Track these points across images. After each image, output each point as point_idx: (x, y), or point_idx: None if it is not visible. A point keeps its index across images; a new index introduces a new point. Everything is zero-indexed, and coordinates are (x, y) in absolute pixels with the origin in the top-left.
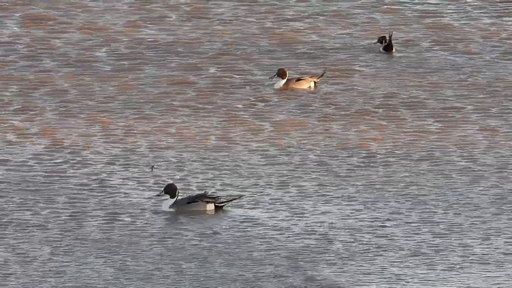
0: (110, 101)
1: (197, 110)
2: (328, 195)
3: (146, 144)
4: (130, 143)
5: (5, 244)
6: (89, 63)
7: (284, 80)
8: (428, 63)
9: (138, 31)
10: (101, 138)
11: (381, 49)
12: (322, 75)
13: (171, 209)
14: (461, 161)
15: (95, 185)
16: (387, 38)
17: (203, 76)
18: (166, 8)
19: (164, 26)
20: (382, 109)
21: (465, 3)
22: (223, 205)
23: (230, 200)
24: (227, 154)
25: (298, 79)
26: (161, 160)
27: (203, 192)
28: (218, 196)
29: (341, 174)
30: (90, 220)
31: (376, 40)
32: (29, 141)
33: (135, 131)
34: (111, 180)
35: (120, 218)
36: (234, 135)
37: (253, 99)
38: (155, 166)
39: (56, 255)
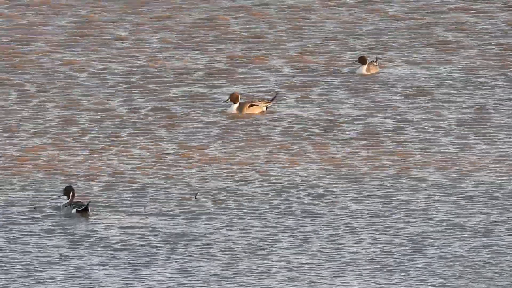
0: None
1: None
2: None
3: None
4: None
5: None
6: None
7: (237, 105)
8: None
9: None
10: None
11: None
12: (273, 99)
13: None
14: None
15: None
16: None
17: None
18: None
19: None
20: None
21: None
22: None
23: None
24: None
25: (251, 105)
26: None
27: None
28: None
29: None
30: None
31: (357, 60)
32: None
33: None
34: None
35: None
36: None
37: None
38: (198, 194)
39: None
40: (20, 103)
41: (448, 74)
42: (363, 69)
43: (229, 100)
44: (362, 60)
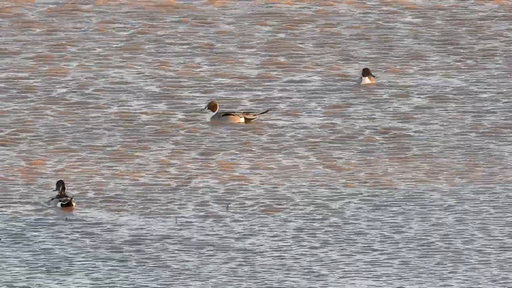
0: None
1: None
2: None
3: None
4: None
5: None
6: None
7: (213, 113)
8: None
9: None
10: None
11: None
12: (263, 113)
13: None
14: None
15: None
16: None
17: None
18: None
19: None
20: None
21: None
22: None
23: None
24: None
25: (226, 114)
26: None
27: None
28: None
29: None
30: None
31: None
32: None
33: None
34: None
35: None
36: None
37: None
38: (230, 204)
39: None
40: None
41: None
42: (366, 80)
43: (207, 108)
44: (366, 72)
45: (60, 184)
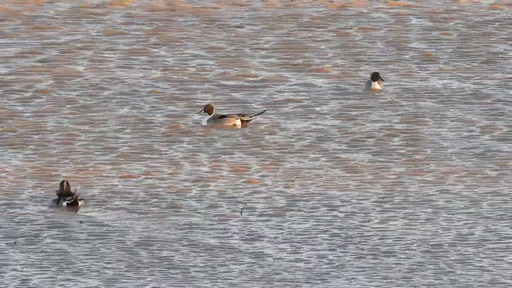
0: None
1: None
2: None
3: None
4: None
5: None
6: None
7: (210, 117)
8: None
9: None
10: None
11: None
12: (258, 114)
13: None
14: None
15: None
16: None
17: None
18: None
19: None
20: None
21: None
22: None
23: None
24: None
25: (221, 116)
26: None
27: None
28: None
29: None
30: None
31: (370, 76)
32: None
33: None
34: None
35: None
36: None
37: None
38: (244, 210)
39: None
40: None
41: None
42: (376, 85)
43: (203, 111)
44: (375, 76)
45: (63, 184)
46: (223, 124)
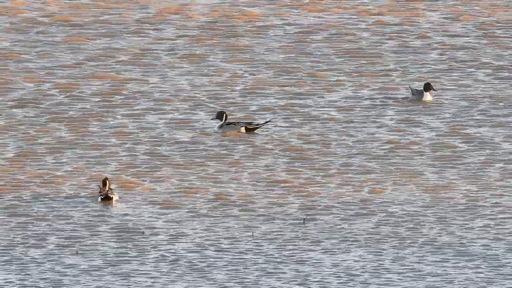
0: None
1: None
2: None
3: None
4: None
5: None
6: None
7: (221, 123)
8: None
9: None
10: None
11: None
12: (265, 123)
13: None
14: None
15: None
16: None
17: None
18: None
19: None
20: None
21: None
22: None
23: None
24: None
25: (229, 123)
26: None
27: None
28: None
29: None
30: None
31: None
32: None
33: None
34: None
35: None
36: None
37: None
38: (306, 218)
39: None
40: None
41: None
42: (428, 96)
43: (216, 117)
44: (427, 87)
45: (104, 181)
46: (229, 131)
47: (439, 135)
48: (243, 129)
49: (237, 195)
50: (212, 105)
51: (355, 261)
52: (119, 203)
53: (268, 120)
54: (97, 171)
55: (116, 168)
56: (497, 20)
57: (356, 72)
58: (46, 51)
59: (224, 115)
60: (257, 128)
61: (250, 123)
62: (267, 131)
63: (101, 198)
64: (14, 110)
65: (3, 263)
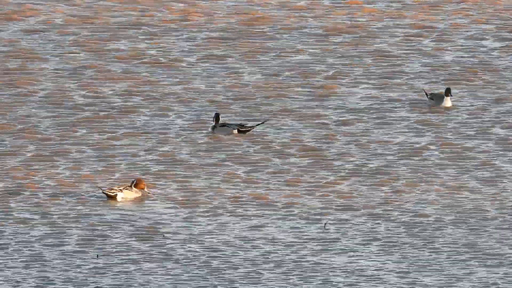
0: None
1: None
2: None
3: None
4: None
5: None
6: None
7: (213, 124)
8: None
9: None
10: None
11: None
12: (259, 124)
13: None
14: None
15: None
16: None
17: None
18: None
19: None
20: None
21: None
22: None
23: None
24: None
25: (222, 125)
26: None
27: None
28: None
29: None
30: None
31: (429, 95)
32: None
33: None
34: None
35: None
36: None
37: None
38: (328, 223)
39: None
40: None
41: None
42: (448, 101)
43: (213, 119)
44: (448, 92)
45: (133, 181)
46: (222, 132)
47: (458, 138)
48: (235, 131)
49: (252, 196)
50: (232, 107)
51: (378, 262)
52: (133, 202)
53: (260, 122)
54: (118, 172)
55: (133, 168)
56: None
57: (374, 75)
58: (67, 52)
59: (217, 116)
60: (249, 130)
61: (242, 125)
62: (283, 131)
63: (107, 195)
64: (34, 111)
65: (22, 262)
